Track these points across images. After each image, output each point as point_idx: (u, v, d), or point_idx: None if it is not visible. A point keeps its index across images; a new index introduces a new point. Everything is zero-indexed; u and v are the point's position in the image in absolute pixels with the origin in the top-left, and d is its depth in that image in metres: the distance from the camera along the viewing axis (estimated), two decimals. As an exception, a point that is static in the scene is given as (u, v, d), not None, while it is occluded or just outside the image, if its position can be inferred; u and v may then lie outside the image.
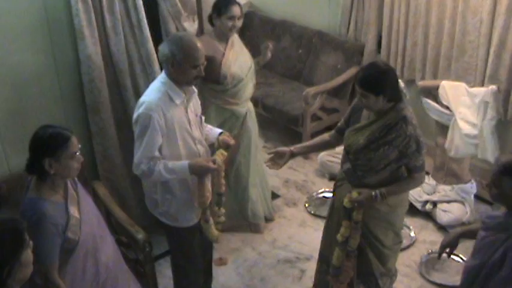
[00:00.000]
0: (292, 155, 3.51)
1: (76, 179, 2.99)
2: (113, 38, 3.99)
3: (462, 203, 4.80)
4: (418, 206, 4.92)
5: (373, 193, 3.18)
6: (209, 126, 3.58)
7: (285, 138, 5.96)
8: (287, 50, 6.54)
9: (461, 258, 4.43)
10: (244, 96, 4.39)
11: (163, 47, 3.13)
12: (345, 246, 3.36)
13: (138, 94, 4.24)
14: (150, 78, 4.23)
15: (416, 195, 4.94)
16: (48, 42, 3.81)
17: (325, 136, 3.62)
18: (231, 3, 4.13)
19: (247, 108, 4.47)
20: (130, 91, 4.19)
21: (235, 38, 4.36)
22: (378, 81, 3.04)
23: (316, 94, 5.68)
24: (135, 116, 3.17)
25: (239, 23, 4.21)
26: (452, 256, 4.26)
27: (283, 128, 6.12)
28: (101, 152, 4.23)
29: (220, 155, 3.40)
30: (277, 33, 6.63)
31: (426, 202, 4.91)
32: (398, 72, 5.68)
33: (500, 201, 2.62)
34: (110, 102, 4.14)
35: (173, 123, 3.19)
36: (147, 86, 3.79)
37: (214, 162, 3.29)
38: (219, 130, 3.55)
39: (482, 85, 4.97)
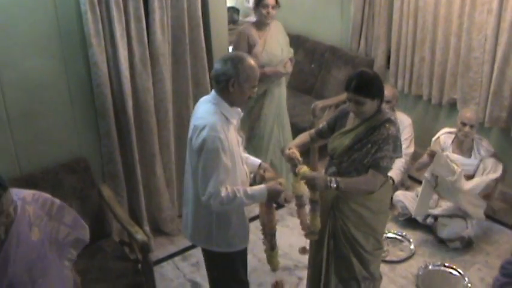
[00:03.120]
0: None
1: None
2: (120, 47, 4.22)
3: (463, 217, 4.84)
4: (420, 219, 5.03)
5: (328, 178, 3.24)
6: (245, 154, 3.52)
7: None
8: (300, 65, 6.68)
9: (459, 273, 4.54)
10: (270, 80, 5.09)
11: (224, 66, 3.07)
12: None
13: (137, 104, 4.48)
14: (155, 88, 4.47)
15: None
16: (60, 48, 4.01)
17: (306, 135, 3.68)
18: None
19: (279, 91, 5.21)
20: (131, 98, 4.42)
21: (275, 26, 5.23)
22: (374, 86, 3.19)
23: (324, 107, 5.75)
24: (199, 141, 3.02)
25: (273, 12, 5.08)
26: (449, 270, 4.49)
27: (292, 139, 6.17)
28: (107, 154, 4.44)
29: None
30: (292, 48, 6.74)
31: (428, 216, 4.98)
32: (406, 88, 6.00)
33: None
34: (113, 108, 4.35)
35: (232, 144, 3.14)
36: (147, 94, 4.09)
37: (281, 185, 3.26)
38: (258, 160, 3.53)
39: (487, 100, 5.13)
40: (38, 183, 3.94)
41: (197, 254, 4.65)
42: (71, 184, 4.10)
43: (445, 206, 4.93)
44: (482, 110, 5.29)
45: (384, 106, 3.37)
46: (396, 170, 5.04)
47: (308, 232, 3.45)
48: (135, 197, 4.69)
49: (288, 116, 5.55)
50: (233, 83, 3.07)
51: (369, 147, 3.24)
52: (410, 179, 5.80)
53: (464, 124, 4.69)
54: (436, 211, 4.97)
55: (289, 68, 5.30)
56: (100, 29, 4.07)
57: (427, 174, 4.79)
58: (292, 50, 5.48)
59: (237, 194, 3.08)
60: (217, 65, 3.12)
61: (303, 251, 4.07)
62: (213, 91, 3.20)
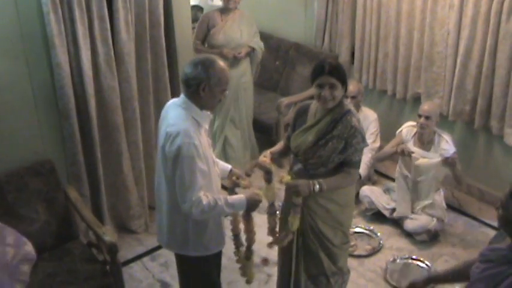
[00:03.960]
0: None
1: None
2: (82, 47, 4.30)
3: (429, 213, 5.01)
4: (386, 213, 5.22)
5: (311, 182, 3.31)
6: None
7: (261, 146, 6.09)
8: (264, 62, 6.59)
9: (426, 265, 4.73)
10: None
11: (195, 70, 3.08)
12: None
13: (102, 104, 4.57)
14: (121, 87, 4.57)
15: (385, 202, 5.25)
16: (22, 50, 4.07)
17: (281, 143, 3.80)
18: None
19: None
20: (94, 98, 4.51)
21: (241, 14, 5.69)
22: (342, 69, 3.32)
23: (289, 104, 5.93)
24: (174, 149, 3.04)
25: None
26: (417, 262, 4.67)
27: (259, 137, 6.34)
28: (71, 156, 4.52)
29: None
30: None
31: (394, 209, 5.16)
32: (370, 83, 6.17)
33: (504, 225, 2.57)
34: (76, 109, 4.44)
35: (205, 149, 3.17)
36: (112, 93, 4.24)
37: (257, 195, 3.33)
38: (228, 166, 3.60)
39: (451, 94, 5.37)
40: (3, 187, 4.00)
41: (166, 254, 4.72)
42: (36, 187, 4.13)
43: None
44: (446, 104, 5.46)
45: (347, 100, 3.46)
46: (363, 165, 5.11)
47: (279, 239, 3.55)
48: (99, 197, 4.78)
49: (251, 109, 5.96)
50: (204, 87, 3.08)
51: (335, 142, 3.34)
52: (377, 174, 5.96)
53: (420, 116, 4.84)
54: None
55: (242, 54, 5.65)
56: (62, 29, 4.14)
57: (398, 175, 5.04)
58: (261, 44, 5.86)
59: (218, 202, 3.12)
60: (187, 69, 3.12)
61: (265, 262, 4.35)
62: (182, 95, 3.20)
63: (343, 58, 6.36)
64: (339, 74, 3.28)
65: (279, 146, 3.76)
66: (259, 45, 5.85)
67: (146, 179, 5.07)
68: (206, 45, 5.78)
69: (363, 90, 5.47)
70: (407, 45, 5.67)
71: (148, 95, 4.89)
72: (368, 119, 5.41)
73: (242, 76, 5.76)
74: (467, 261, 2.93)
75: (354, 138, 3.33)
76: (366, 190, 5.37)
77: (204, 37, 5.78)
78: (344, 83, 3.31)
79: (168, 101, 3.46)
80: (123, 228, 5.12)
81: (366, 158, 5.26)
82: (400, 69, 5.80)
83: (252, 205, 3.30)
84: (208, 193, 3.12)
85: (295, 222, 3.45)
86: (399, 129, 5.21)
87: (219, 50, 5.50)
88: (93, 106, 4.49)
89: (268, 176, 3.46)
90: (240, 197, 3.28)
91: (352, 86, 5.15)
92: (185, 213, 3.15)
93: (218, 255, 3.60)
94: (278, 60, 6.89)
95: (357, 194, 5.17)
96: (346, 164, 3.41)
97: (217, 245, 3.49)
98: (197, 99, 3.14)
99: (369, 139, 5.15)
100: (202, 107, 3.17)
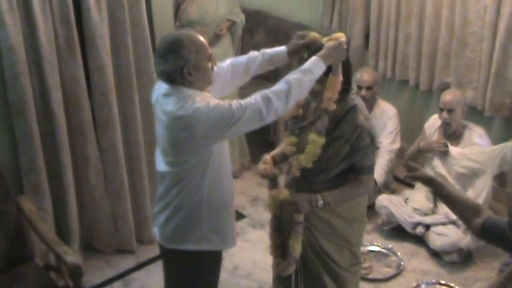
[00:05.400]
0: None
1: None
2: (41, 25, 4.15)
3: (459, 225, 4.86)
4: (408, 228, 5.08)
5: (313, 197, 3.27)
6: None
7: (257, 149, 6.00)
8: (261, 46, 6.04)
9: None
10: None
11: (167, 63, 3.05)
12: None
13: (68, 93, 4.45)
14: (94, 78, 4.48)
15: (406, 215, 5.10)
16: None
17: (285, 143, 3.71)
18: None
19: None
20: (59, 90, 4.39)
21: None
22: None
23: None
24: (189, 112, 2.99)
25: None
26: None
27: (254, 137, 6.20)
28: (27, 162, 4.39)
29: None
30: (250, 26, 6.67)
31: (418, 224, 5.03)
32: (389, 72, 6.08)
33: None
34: (35, 103, 4.32)
35: None
36: (76, 86, 4.23)
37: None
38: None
39: (487, 84, 5.25)
40: None
41: (141, 277, 4.76)
42: (-20, 199, 4.04)
43: (441, 212, 4.98)
44: (482, 96, 5.36)
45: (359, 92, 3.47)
46: (379, 169, 5.09)
47: (279, 269, 3.54)
48: (64, 211, 4.68)
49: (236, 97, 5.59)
50: (188, 71, 3.06)
51: (337, 144, 3.26)
52: (396, 181, 5.85)
53: (441, 109, 4.85)
54: (429, 219, 5.02)
55: (224, 31, 5.69)
56: (14, 4, 4.01)
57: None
58: (242, 16, 5.88)
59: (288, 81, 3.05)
60: (159, 66, 3.11)
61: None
62: (167, 86, 3.17)
63: (356, 42, 6.24)
64: None
65: (281, 147, 3.68)
66: (240, 18, 5.84)
67: (132, 189, 5.03)
68: (177, 24, 5.70)
69: (379, 80, 5.43)
70: (434, 25, 5.54)
71: (132, 91, 4.78)
72: (386, 114, 5.36)
73: (223, 57, 5.45)
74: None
75: (361, 140, 3.25)
76: (384, 200, 5.23)
77: (175, 14, 5.67)
78: (330, 73, 3.18)
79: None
80: (90, 248, 5.05)
81: (383, 161, 5.24)
82: (425, 55, 5.68)
83: (337, 53, 3.15)
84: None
85: (297, 246, 3.40)
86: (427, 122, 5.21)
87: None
88: (57, 100, 4.37)
89: (273, 183, 3.49)
90: (311, 59, 3.13)
91: (366, 75, 5.19)
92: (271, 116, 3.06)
93: (219, 257, 3.53)
94: (277, 44, 6.41)
95: (372, 204, 5.12)
96: (356, 171, 3.33)
97: (233, 238, 3.47)
98: (189, 84, 3.10)
99: (387, 139, 5.25)
100: (199, 87, 3.13)
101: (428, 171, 4.93)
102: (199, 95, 3.07)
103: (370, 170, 3.36)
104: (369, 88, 5.17)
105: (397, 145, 5.37)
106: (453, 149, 4.87)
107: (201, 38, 3.12)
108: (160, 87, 3.23)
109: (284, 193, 3.40)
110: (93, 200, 4.86)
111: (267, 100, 3.00)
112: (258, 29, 6.79)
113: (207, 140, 3.05)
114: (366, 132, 3.24)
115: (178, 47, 3.03)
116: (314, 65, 3.08)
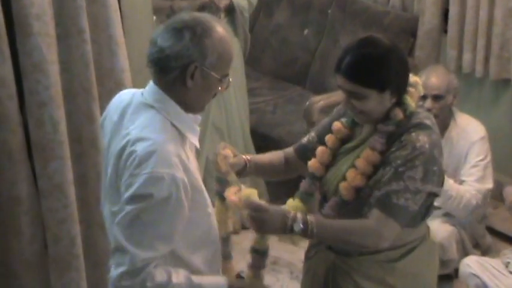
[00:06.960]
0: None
1: None
2: None
3: None
4: None
5: (291, 216, 3.00)
6: None
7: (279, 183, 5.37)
8: (283, 31, 6.61)
9: None
10: None
11: (178, 42, 2.81)
12: None
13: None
14: (28, 78, 4.03)
15: None
16: None
17: (280, 153, 3.54)
18: None
19: None
20: None
21: None
22: (384, 64, 2.99)
23: (327, 107, 5.42)
24: (139, 181, 2.76)
25: None
26: None
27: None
28: None
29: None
30: (268, 2, 6.73)
31: None
32: (479, 68, 5.68)
33: None
34: None
35: (194, 176, 3.01)
36: (2, 86, 3.94)
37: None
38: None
39: None
40: None
41: None
42: None
43: None
44: None
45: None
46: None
47: None
48: None
49: (246, 109, 5.80)
50: (193, 72, 2.82)
51: (383, 169, 3.13)
52: (492, 234, 5.37)
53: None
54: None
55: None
56: None
57: None
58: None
59: (173, 279, 2.89)
60: (163, 40, 2.83)
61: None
62: (150, 86, 2.95)
63: (428, 22, 5.83)
64: (371, 76, 3.01)
65: (267, 155, 3.57)
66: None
67: (87, 253, 4.48)
68: None
69: (457, 86, 4.89)
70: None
71: (90, 101, 4.33)
72: (468, 138, 4.85)
73: None
74: None
75: (409, 169, 3.01)
76: (473, 264, 4.65)
77: None
78: (385, 87, 3.01)
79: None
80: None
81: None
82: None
83: None
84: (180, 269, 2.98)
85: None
86: None
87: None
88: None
89: (221, 187, 3.27)
90: (217, 279, 3.11)
91: (434, 77, 4.74)
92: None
93: None
94: (308, 27, 6.56)
95: (455, 271, 4.79)
96: (377, 204, 3.06)
97: None
98: (180, 93, 2.91)
99: (471, 176, 4.75)
100: (187, 106, 2.95)
101: None
102: (185, 121, 2.96)
103: (398, 214, 3.03)
104: (437, 98, 4.64)
105: (488, 185, 4.82)
106: None
107: (231, 47, 2.94)
108: (129, 97, 3.03)
109: (247, 192, 3.11)
110: (24, 270, 4.23)
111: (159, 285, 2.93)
112: (278, 7, 6.71)
113: None
114: (421, 159, 3.01)
115: (204, 32, 2.83)
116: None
